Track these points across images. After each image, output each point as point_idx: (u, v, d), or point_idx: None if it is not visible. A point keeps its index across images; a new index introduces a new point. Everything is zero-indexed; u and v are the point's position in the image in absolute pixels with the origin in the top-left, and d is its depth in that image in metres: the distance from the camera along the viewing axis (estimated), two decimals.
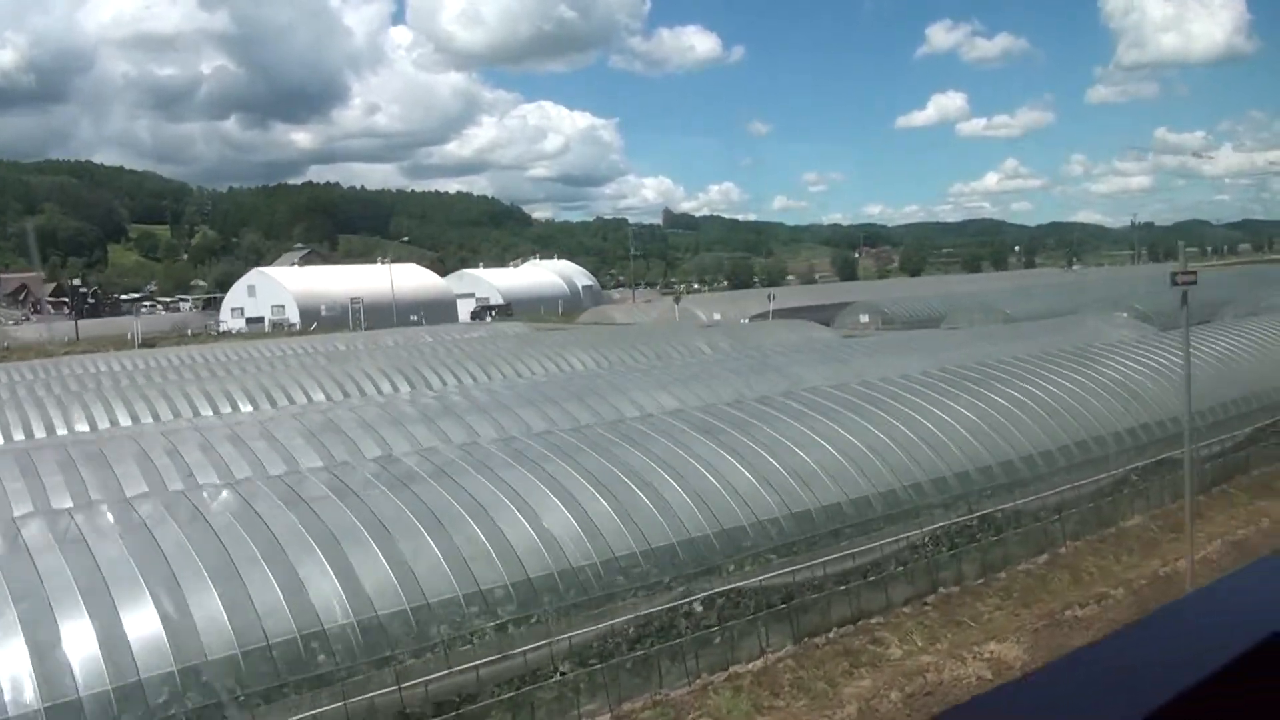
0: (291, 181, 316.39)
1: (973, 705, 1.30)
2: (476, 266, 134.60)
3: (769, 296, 71.81)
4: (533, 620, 13.08)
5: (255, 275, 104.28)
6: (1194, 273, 18.09)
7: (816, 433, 18.25)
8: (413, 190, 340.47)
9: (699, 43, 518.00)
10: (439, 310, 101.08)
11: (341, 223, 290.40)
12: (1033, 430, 21.99)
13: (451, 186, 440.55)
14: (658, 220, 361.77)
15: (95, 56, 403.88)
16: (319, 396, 33.29)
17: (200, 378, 38.57)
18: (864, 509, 16.91)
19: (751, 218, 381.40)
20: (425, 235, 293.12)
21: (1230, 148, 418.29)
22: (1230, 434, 25.70)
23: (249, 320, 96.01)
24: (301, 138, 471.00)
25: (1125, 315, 51.07)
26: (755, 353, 37.64)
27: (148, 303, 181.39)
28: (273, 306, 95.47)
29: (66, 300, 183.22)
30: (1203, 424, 25.01)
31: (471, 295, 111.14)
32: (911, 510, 17.70)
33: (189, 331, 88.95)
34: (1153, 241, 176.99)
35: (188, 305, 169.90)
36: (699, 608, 14.91)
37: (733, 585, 15.15)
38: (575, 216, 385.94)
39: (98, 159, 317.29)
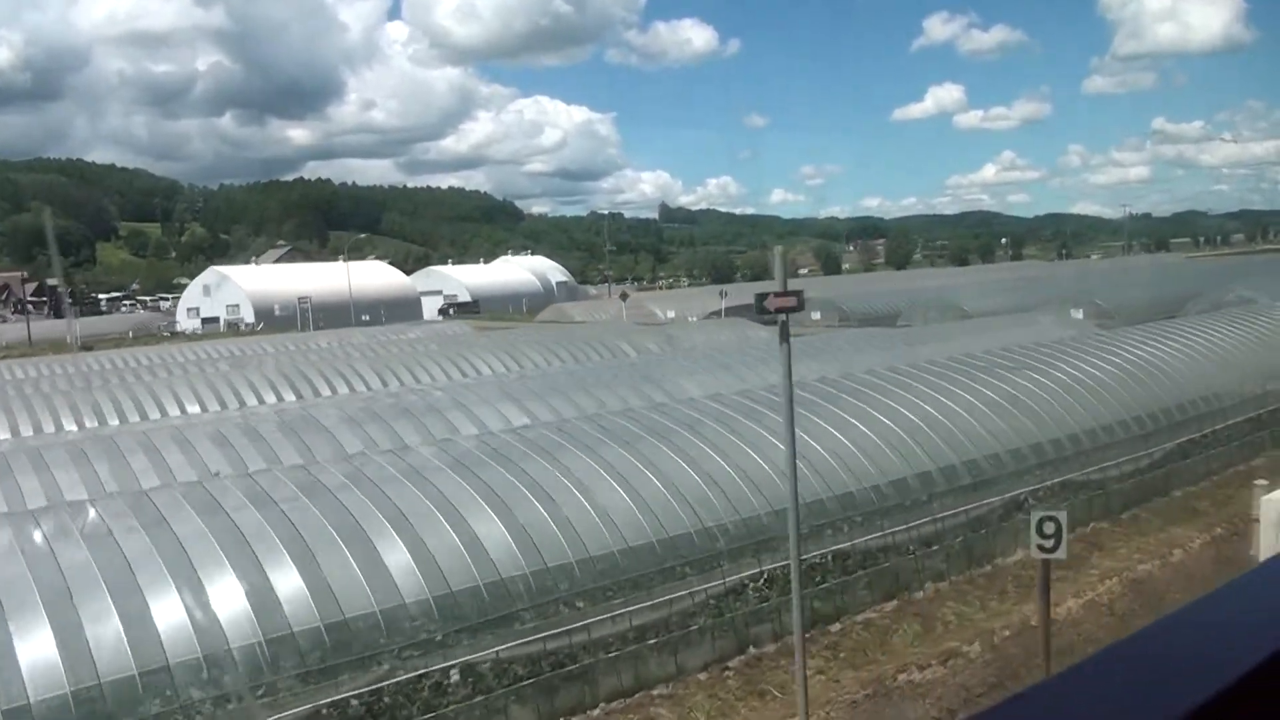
0: (288, 178, 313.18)
1: (994, 713, 1.25)
2: (463, 263, 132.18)
3: (721, 294, 69.05)
4: None
5: (210, 274, 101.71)
6: (797, 294, 12.43)
7: (617, 468, 15.44)
8: (405, 186, 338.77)
9: (695, 36, 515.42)
10: (403, 309, 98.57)
11: (333, 219, 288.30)
12: (911, 449, 19.24)
13: (449, 182, 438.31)
14: (655, 215, 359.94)
15: (90, 54, 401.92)
16: (194, 410, 31.08)
17: (75, 388, 36.17)
18: (648, 557, 14.11)
19: (750, 211, 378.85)
20: (417, 231, 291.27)
21: (1228, 137, 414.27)
22: (1147, 450, 22.85)
23: (205, 320, 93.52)
24: (298, 134, 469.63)
25: (1081, 312, 48.32)
26: (651, 358, 35.46)
27: (128, 301, 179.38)
28: (228, 306, 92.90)
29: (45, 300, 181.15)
30: (1113, 439, 22.27)
31: (439, 293, 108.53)
32: (722, 553, 14.92)
33: (129, 333, 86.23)
34: (1149, 232, 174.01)
35: (166, 304, 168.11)
36: (423, 687, 12.16)
37: (463, 660, 12.38)
38: (573, 211, 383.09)
39: (93, 157, 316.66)
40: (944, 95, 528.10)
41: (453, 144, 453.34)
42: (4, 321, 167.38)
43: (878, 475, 18.23)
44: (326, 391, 34.57)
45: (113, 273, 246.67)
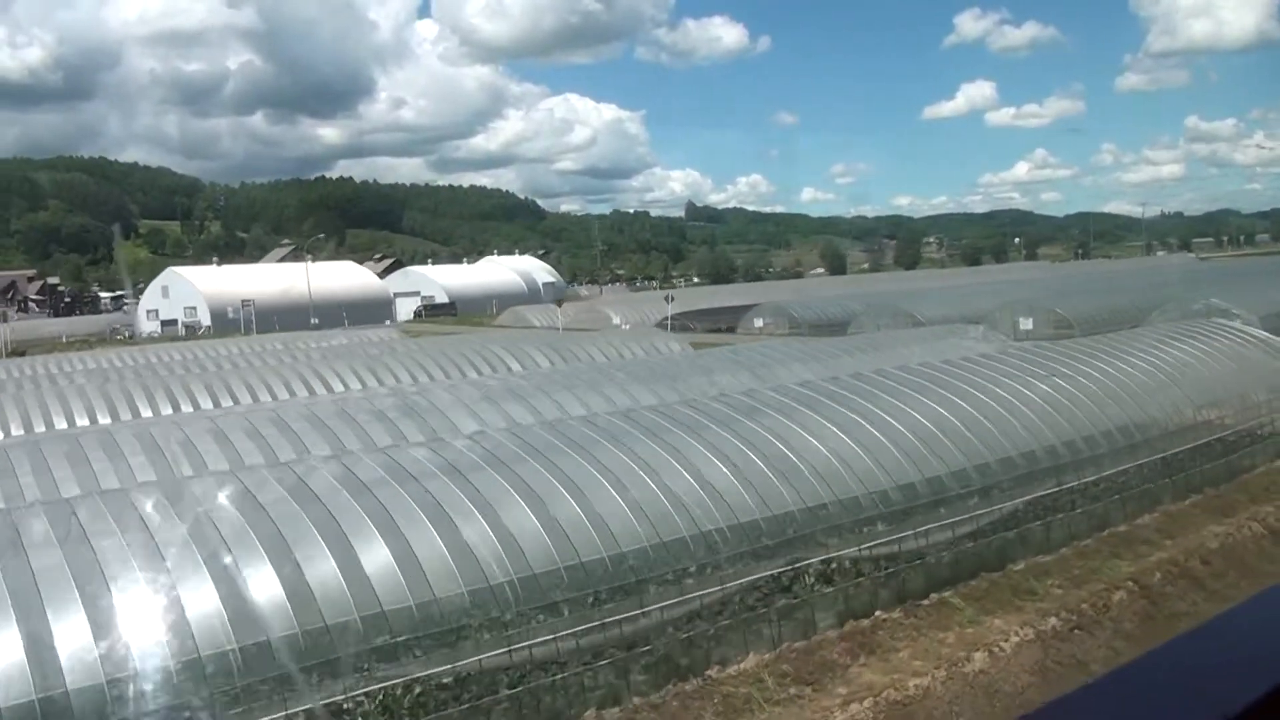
0: (310, 177, 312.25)
1: (1051, 709, 1.30)
2: (427, 262, 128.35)
3: (666, 298, 64.65)
4: None
5: (168, 275, 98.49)
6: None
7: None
8: (427, 184, 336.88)
9: (725, 34, 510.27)
10: (373, 310, 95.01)
11: (353, 218, 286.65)
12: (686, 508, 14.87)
13: (479, 180, 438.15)
14: (682, 213, 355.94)
15: (121, 53, 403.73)
16: (83, 421, 28.24)
17: None
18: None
19: (779, 209, 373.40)
20: (437, 229, 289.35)
21: (1261, 141, 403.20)
22: (988, 508, 18.12)
23: (164, 322, 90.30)
24: (329, 133, 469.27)
25: (1031, 322, 43.54)
26: (512, 378, 31.27)
27: (129, 300, 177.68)
28: (185, 308, 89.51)
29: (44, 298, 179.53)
30: (942, 493, 17.63)
31: (417, 294, 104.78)
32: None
33: (60, 338, 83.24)
34: (1181, 231, 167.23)
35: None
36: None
37: None
38: (602, 209, 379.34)
39: (125, 156, 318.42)
40: (975, 93, 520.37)
41: (483, 142, 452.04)
42: (3, 320, 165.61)
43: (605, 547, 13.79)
44: (186, 407, 30.95)
45: (130, 271, 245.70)
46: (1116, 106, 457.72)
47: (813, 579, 15.56)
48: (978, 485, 18.26)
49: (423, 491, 13.84)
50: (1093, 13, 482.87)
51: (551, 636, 12.80)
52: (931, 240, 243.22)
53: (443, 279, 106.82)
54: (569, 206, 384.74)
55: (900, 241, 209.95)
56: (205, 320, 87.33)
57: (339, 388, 34.57)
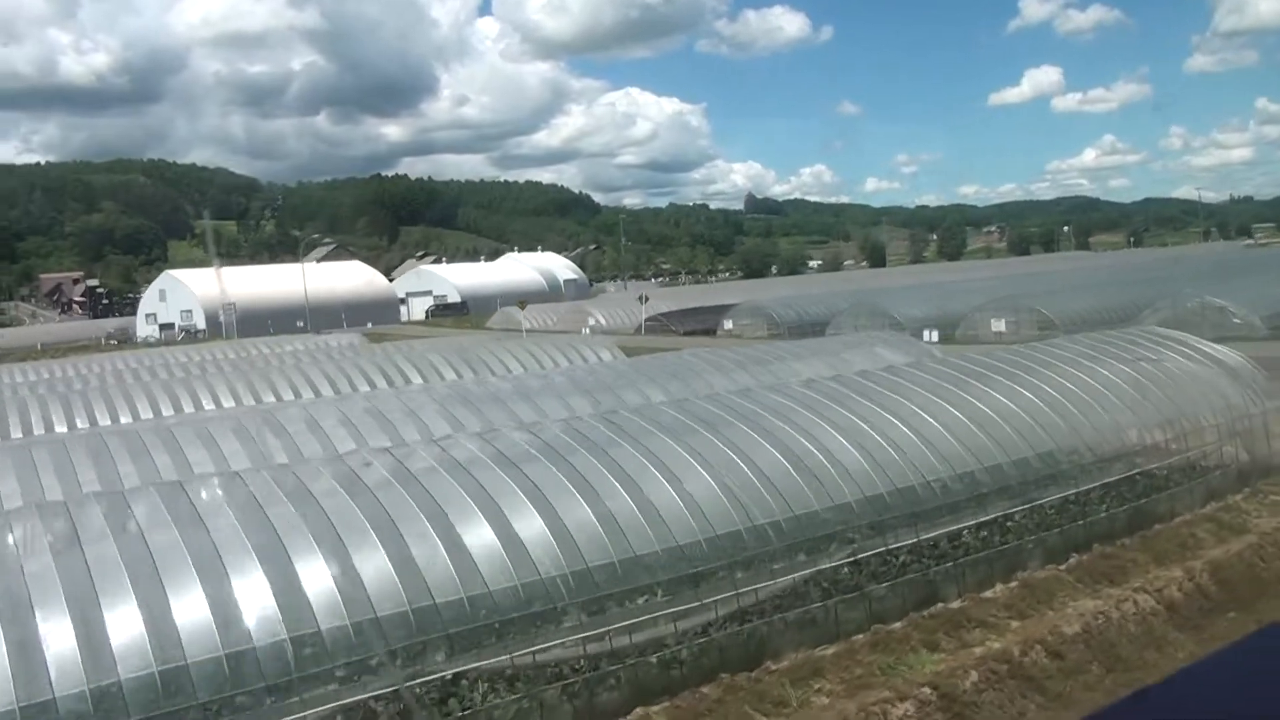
0: (367, 175, 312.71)
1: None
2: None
3: (640, 299, 60.40)
4: None
5: (165, 279, 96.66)
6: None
7: None
8: (482, 180, 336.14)
9: (787, 23, 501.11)
10: (379, 311, 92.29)
11: (407, 215, 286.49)
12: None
13: (541, 176, 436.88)
14: (741, 205, 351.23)
15: (187, 57, 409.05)
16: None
17: None
18: None
19: (844, 200, 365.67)
20: (491, 225, 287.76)
21: None
22: (735, 590, 13.85)
23: (161, 326, 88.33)
24: (393, 131, 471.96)
25: (1004, 323, 39.03)
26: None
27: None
28: (182, 312, 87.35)
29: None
30: (653, 579, 13.46)
31: (429, 293, 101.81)
32: None
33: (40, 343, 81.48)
34: (1249, 215, 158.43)
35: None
36: None
37: None
38: (662, 203, 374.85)
39: (191, 158, 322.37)
40: (1041, 78, 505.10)
41: (545, 138, 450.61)
42: (39, 321, 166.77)
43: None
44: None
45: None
46: (1184, 89, 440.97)
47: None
48: (756, 550, 14.02)
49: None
50: None
51: None
52: (992, 229, 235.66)
53: (455, 278, 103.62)
54: (631, 201, 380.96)
55: (944, 232, 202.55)
56: (200, 324, 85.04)
57: (228, 402, 31.50)
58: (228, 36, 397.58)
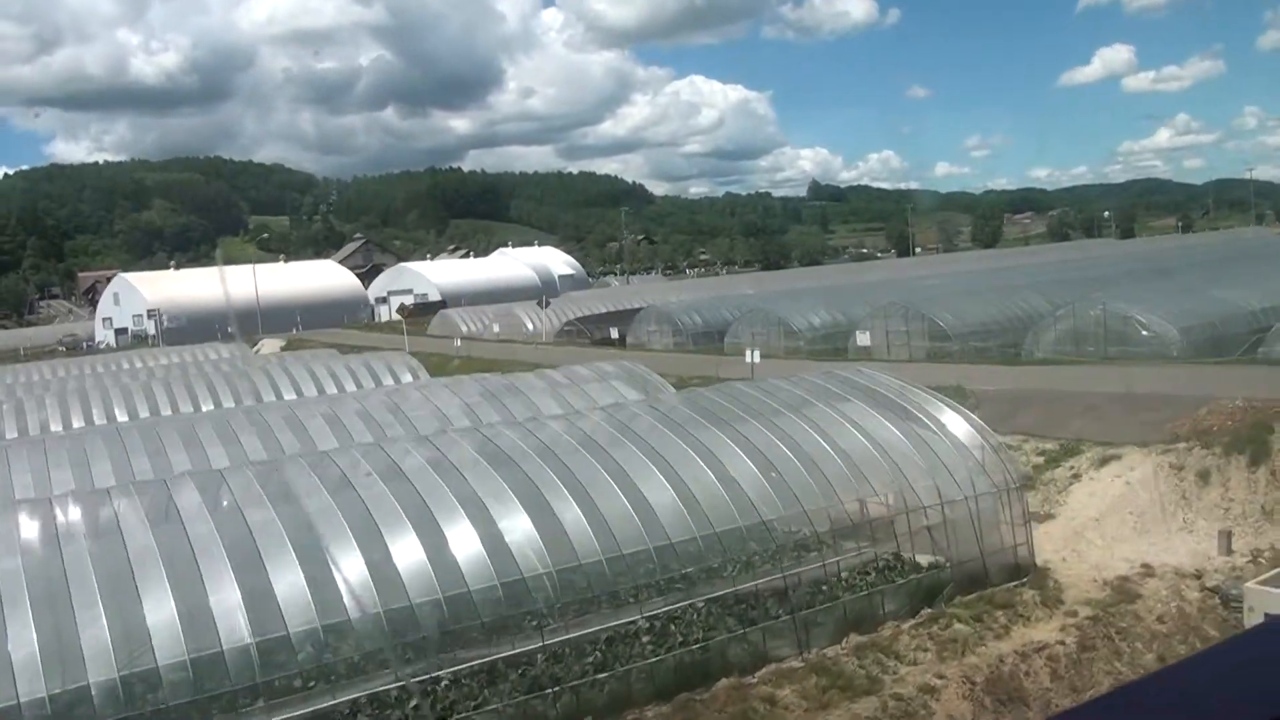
0: (419, 169, 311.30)
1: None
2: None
3: (541, 303, 55.06)
4: None
5: (118, 282, 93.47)
6: None
7: None
8: (535, 172, 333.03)
9: (853, 7, 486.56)
10: (349, 311, 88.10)
11: (460, 208, 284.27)
12: None
13: (608, 167, 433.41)
14: (804, 193, 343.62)
15: (255, 54, 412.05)
16: None
17: None
18: None
19: (913, 186, 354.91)
20: (542, 217, 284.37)
21: None
22: None
23: (117, 331, 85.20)
24: (460, 124, 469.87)
25: (868, 337, 33.01)
26: None
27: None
28: (134, 316, 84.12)
29: None
30: None
31: (409, 291, 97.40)
32: None
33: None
34: None
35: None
36: None
37: None
38: (732, 190, 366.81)
39: (259, 156, 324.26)
40: (1112, 57, 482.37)
41: (610, 128, 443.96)
42: (71, 319, 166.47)
43: None
44: None
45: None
46: (1258, 66, 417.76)
47: None
48: None
49: None
50: None
51: None
52: (1028, 216, 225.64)
53: (436, 276, 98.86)
54: (697, 190, 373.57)
55: (978, 219, 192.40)
56: (152, 329, 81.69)
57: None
58: (295, 33, 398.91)
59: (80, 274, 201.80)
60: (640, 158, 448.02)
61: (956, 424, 16.03)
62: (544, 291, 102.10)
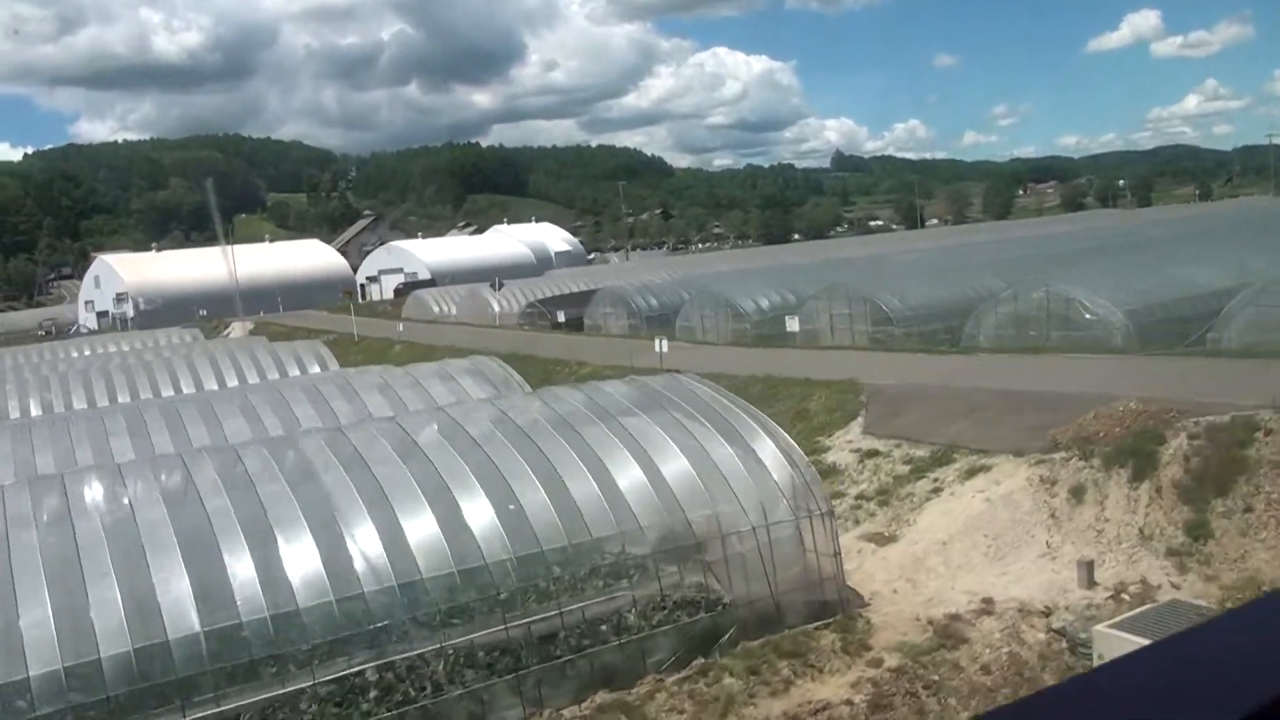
0: (458, 142, 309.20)
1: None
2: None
3: (495, 284, 53.05)
4: None
5: (98, 264, 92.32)
6: None
7: None
8: (554, 146, 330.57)
9: None
10: (335, 291, 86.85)
11: (477, 183, 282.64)
12: None
13: (632, 140, 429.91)
14: (828, 164, 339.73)
15: (277, 31, 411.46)
16: None
17: None
18: None
19: (940, 156, 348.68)
20: (560, 191, 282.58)
21: None
22: None
23: (99, 314, 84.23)
24: (482, 99, 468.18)
25: (795, 322, 31.14)
26: None
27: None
28: (116, 297, 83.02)
29: None
30: None
31: (400, 270, 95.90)
32: None
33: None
34: None
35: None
36: None
37: None
38: (756, 162, 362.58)
39: (282, 133, 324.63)
40: (1140, 22, 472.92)
41: (634, 100, 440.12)
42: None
43: None
44: None
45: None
46: None
47: None
48: None
49: None
50: None
51: None
52: (1048, 186, 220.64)
53: (427, 255, 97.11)
54: (721, 162, 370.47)
55: (990, 190, 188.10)
56: (131, 312, 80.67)
57: None
58: (316, 10, 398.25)
59: (93, 254, 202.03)
60: (664, 130, 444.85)
61: (760, 442, 13.97)
62: (543, 266, 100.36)
